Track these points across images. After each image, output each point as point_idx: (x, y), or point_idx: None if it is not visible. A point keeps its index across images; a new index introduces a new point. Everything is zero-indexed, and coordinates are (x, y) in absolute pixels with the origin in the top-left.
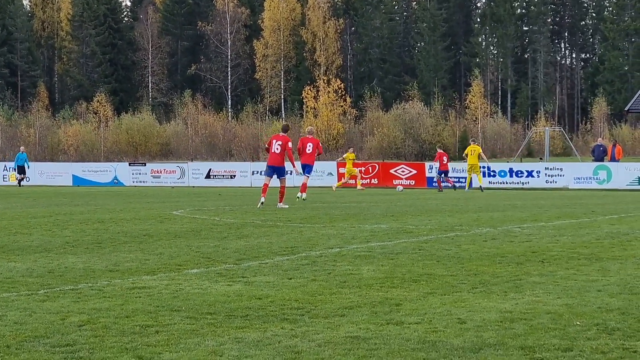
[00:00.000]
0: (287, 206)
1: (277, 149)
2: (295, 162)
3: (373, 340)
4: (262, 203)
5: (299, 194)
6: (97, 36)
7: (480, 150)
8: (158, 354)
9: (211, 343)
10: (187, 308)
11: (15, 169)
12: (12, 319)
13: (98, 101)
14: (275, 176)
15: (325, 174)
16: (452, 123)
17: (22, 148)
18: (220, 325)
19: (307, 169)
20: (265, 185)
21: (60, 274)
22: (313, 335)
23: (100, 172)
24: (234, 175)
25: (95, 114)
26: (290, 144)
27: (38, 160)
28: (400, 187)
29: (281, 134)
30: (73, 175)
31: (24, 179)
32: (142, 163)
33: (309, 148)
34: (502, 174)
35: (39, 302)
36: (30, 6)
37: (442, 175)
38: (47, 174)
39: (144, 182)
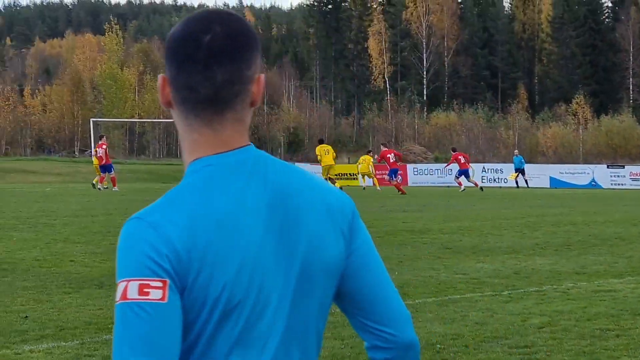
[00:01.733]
0: None
1: None
2: None
3: None
4: None
5: None
6: (577, 38)
7: None
8: (616, 358)
9: None
10: None
11: (515, 171)
12: (473, 319)
13: (577, 103)
14: None
15: None
16: None
17: (516, 152)
18: None
19: None
20: None
21: (526, 275)
22: None
23: (577, 174)
24: None
25: (574, 115)
26: None
27: None
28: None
29: None
30: (550, 177)
31: (525, 181)
32: (620, 165)
33: None
34: None
35: (502, 303)
36: (510, 8)
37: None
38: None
39: (622, 184)
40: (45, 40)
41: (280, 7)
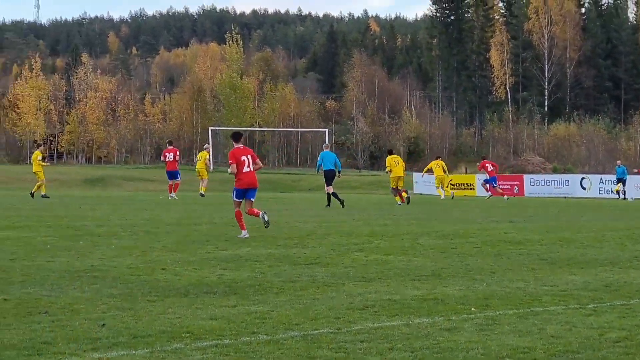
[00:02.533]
0: None
1: None
2: None
3: None
4: None
5: None
6: None
7: None
8: None
9: None
10: None
11: (617, 182)
12: (550, 333)
13: None
14: None
15: None
16: None
17: (618, 162)
18: None
19: None
20: None
21: (616, 288)
22: None
23: None
24: None
25: None
26: None
27: None
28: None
29: None
30: None
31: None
32: None
33: None
34: None
35: (584, 317)
36: (635, 19)
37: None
38: None
39: None
40: (170, 50)
41: (405, 17)
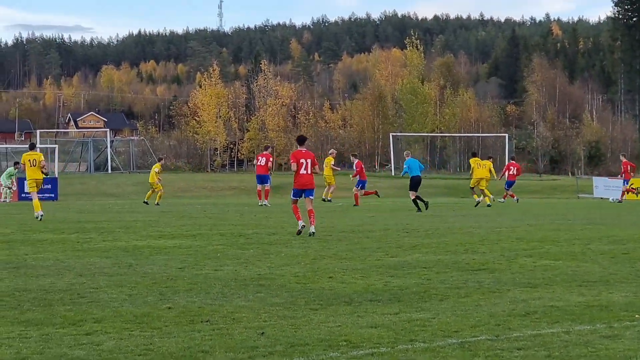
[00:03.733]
0: None
1: None
2: None
3: None
4: None
5: None
6: None
7: None
8: None
9: None
10: None
11: None
12: None
13: None
14: None
15: None
16: None
17: None
18: None
19: None
20: None
21: None
22: None
23: None
24: None
25: None
26: None
27: None
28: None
29: None
30: None
31: None
32: None
33: None
34: None
35: None
36: None
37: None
38: None
39: None
40: (353, 55)
41: (587, 20)
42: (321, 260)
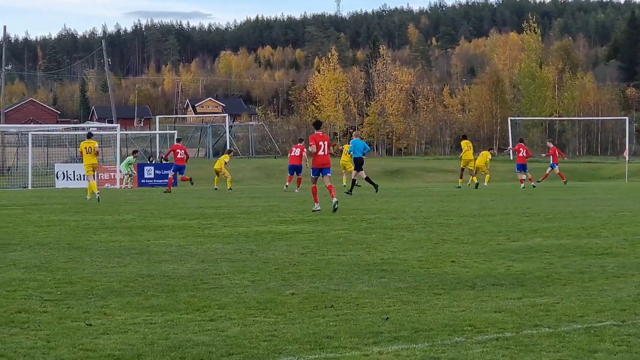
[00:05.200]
0: None
1: None
2: None
3: None
4: None
5: None
6: None
7: None
8: None
9: None
10: None
11: None
12: None
13: None
14: None
15: None
16: None
17: None
18: None
19: None
20: None
21: None
22: None
23: None
24: None
25: None
26: None
27: None
28: None
29: None
30: None
31: None
32: None
33: None
34: None
35: None
36: None
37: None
38: None
39: None
40: (470, 40)
41: None
42: (443, 244)
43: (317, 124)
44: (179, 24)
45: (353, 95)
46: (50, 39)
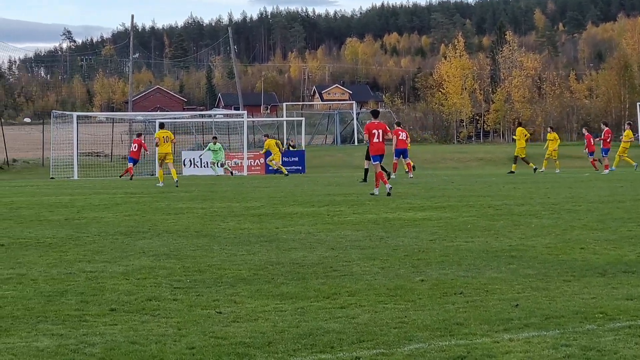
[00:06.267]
0: None
1: None
2: None
3: None
4: None
5: None
6: None
7: None
8: None
9: None
10: None
11: None
12: None
13: None
14: None
15: None
16: None
17: None
18: None
19: None
20: None
21: None
22: None
23: None
24: None
25: None
26: None
27: None
28: None
29: None
30: None
31: None
32: None
33: None
34: None
35: None
36: None
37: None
38: None
39: None
40: (598, 25)
41: None
42: (572, 231)
43: (374, 113)
44: (304, 11)
45: (479, 82)
46: (177, 27)
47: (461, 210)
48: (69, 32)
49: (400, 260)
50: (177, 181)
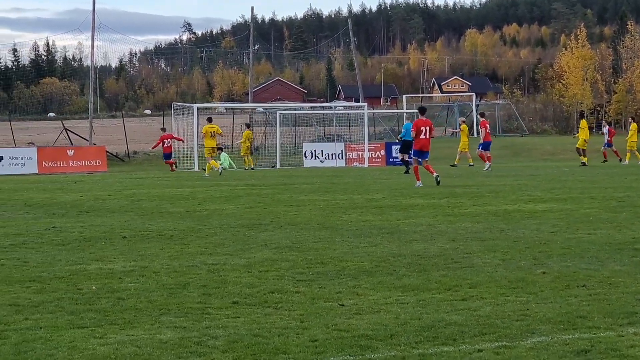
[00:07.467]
0: None
1: None
2: None
3: None
4: None
5: None
6: None
7: None
8: None
9: None
10: None
11: None
12: None
13: None
14: None
15: None
16: None
17: None
18: None
19: None
20: None
21: None
22: None
23: None
24: None
25: None
26: None
27: None
28: None
29: None
30: None
31: None
32: None
33: None
34: None
35: None
36: None
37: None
38: None
39: None
40: None
41: None
42: None
43: (422, 110)
44: (423, 2)
45: (600, 73)
46: (296, 19)
47: (583, 202)
48: (189, 24)
49: (521, 252)
50: (213, 172)
